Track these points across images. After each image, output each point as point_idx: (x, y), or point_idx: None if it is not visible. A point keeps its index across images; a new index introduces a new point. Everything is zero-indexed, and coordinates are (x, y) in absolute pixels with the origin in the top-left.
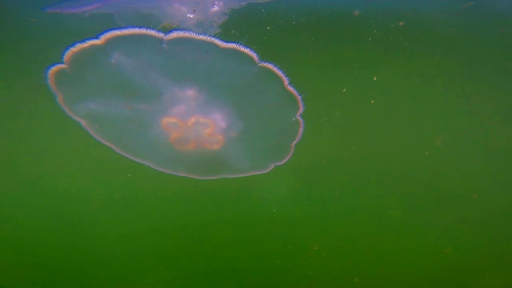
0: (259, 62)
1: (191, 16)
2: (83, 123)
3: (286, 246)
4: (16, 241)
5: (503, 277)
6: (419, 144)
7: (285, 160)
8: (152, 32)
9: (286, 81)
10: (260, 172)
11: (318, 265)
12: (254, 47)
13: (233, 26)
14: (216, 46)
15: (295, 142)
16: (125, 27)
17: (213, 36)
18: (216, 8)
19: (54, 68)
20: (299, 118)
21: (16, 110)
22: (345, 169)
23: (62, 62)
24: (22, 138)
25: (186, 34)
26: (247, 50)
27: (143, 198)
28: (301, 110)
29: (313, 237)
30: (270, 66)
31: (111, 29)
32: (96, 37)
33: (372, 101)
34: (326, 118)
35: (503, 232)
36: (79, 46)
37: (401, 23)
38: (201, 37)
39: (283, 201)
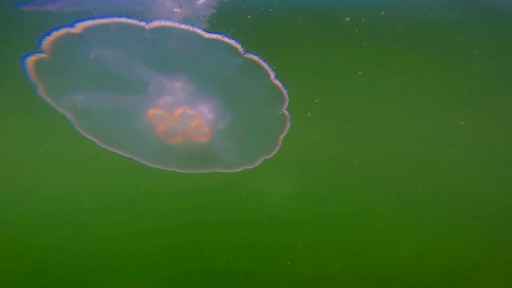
0: (244, 54)
1: (178, 10)
2: (69, 115)
3: (285, 246)
4: (12, 245)
5: (503, 277)
6: (414, 143)
7: (273, 154)
8: (132, 21)
9: (272, 74)
10: (249, 166)
11: (313, 266)
12: (243, 39)
13: (222, 19)
14: (199, 36)
15: (282, 135)
16: (103, 17)
17: (201, 29)
18: (202, 0)
19: (32, 57)
20: (286, 112)
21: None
22: (332, 164)
23: (40, 52)
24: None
25: (168, 23)
26: (231, 41)
27: (139, 197)
28: (287, 103)
29: (312, 238)
30: (255, 58)
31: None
32: (71, 26)
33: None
34: (310, 114)
35: (503, 232)
36: (55, 34)
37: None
38: (183, 26)
39: (283, 201)
